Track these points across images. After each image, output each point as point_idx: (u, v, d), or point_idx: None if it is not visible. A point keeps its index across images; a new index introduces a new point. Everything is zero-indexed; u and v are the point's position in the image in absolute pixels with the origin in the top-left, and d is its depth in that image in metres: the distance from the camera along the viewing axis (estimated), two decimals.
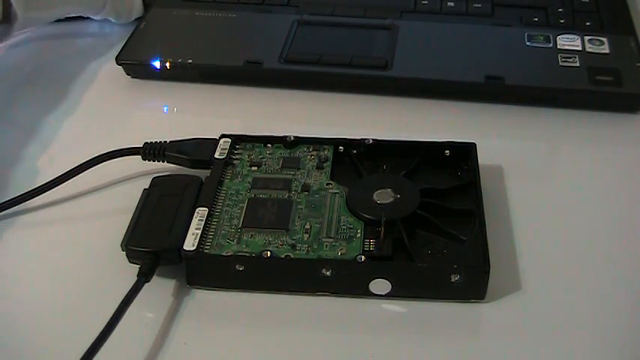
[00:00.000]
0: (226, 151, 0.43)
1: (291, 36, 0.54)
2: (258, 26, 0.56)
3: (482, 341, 0.36)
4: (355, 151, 0.43)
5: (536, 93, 0.50)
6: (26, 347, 0.36)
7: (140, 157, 0.44)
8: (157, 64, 0.52)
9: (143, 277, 0.37)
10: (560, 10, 0.56)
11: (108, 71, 0.53)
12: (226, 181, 0.41)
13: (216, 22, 0.56)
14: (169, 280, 0.38)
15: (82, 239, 0.41)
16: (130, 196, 0.41)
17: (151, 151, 0.44)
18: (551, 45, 0.53)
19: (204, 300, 0.38)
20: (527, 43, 0.53)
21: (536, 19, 0.55)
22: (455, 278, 0.36)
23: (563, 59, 0.51)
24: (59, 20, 0.59)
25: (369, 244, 0.38)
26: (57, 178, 0.43)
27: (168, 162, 0.44)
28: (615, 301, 0.38)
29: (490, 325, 0.37)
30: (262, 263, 0.37)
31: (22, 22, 0.51)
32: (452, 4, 0.57)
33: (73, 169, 0.43)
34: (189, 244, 0.37)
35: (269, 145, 0.44)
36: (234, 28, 0.56)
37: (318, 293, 0.38)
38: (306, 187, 0.41)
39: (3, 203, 0.42)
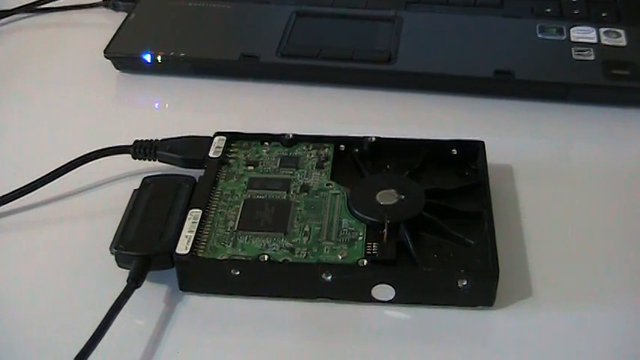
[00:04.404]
0: (221, 150, 0.43)
1: (290, 28, 0.54)
2: (254, 18, 0.56)
3: (490, 350, 0.36)
4: (357, 150, 0.44)
5: (549, 88, 0.50)
6: (9, 357, 0.36)
7: (130, 155, 0.44)
8: (147, 57, 0.52)
9: (133, 283, 0.37)
10: (574, 0, 0.56)
11: (95, 65, 0.53)
12: (221, 181, 0.42)
13: (210, 13, 0.56)
14: (161, 286, 0.39)
15: (69, 242, 0.41)
16: (119, 197, 0.41)
17: (142, 149, 0.44)
18: (564, 37, 0.53)
19: (198, 306, 0.38)
20: (539, 36, 0.53)
21: (548, 10, 0.55)
22: (462, 284, 0.37)
23: (577, 52, 0.52)
24: (44, 10, 0.59)
25: (372, 248, 0.38)
26: (42, 178, 0.43)
27: (159, 161, 0.44)
28: (632, 309, 0.38)
29: (499, 334, 0.37)
30: (259, 268, 0.37)
31: None
32: None
33: (59, 168, 0.44)
34: (182, 247, 0.38)
35: (266, 143, 0.44)
36: (229, 20, 0.56)
37: (318, 299, 0.38)
38: (305, 188, 0.41)
39: None
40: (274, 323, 0.37)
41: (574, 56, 0.51)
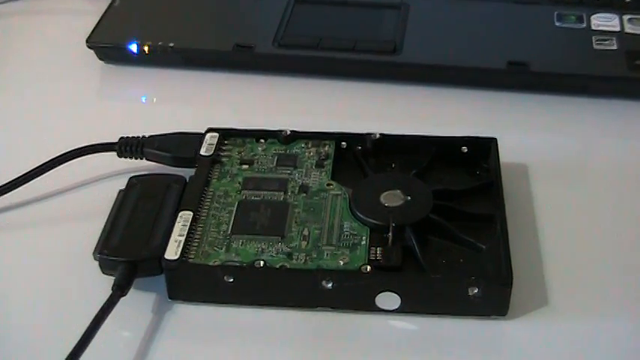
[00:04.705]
0: (213, 147, 0.43)
1: (287, 16, 0.54)
2: (249, 5, 0.56)
3: None
4: (360, 147, 0.44)
5: (567, 81, 0.50)
6: None
7: (115, 153, 0.45)
8: (133, 47, 0.52)
9: (119, 290, 0.37)
10: None
11: (77, 55, 0.53)
12: (213, 181, 0.42)
13: None
14: (148, 294, 0.39)
15: (49, 247, 0.42)
16: (104, 199, 0.42)
17: (128, 147, 0.44)
18: (584, 25, 0.53)
19: (188, 316, 0.38)
20: (557, 24, 0.54)
21: None
22: (473, 292, 0.37)
23: (598, 42, 0.52)
24: None
25: (376, 253, 0.38)
26: (19, 177, 0.44)
27: (147, 159, 0.45)
28: None
29: (513, 345, 0.37)
30: (254, 274, 0.38)
31: None
32: None
33: (38, 167, 0.44)
34: (172, 252, 0.38)
35: (262, 140, 0.44)
36: (222, 7, 0.56)
37: (318, 308, 0.38)
38: (304, 188, 0.42)
39: None
40: (270, 334, 0.37)
41: (595, 46, 0.52)
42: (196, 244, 0.39)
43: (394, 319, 0.38)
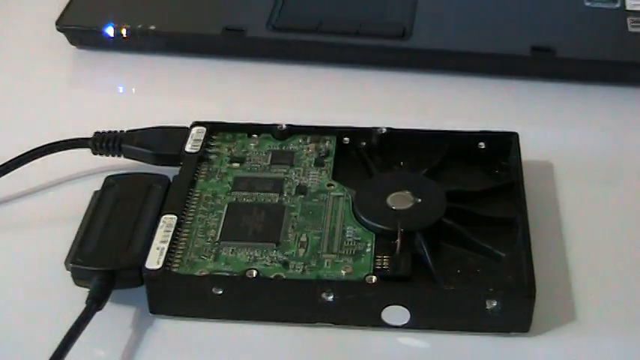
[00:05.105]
0: (200, 143, 0.44)
1: None
2: None
3: None
4: (364, 143, 0.44)
5: (598, 68, 0.50)
6: None
7: (89, 150, 0.45)
8: (109, 30, 0.52)
9: (94, 304, 0.37)
10: None
11: (46, 39, 0.54)
12: (200, 181, 0.42)
13: None
14: (127, 308, 0.39)
15: (15, 255, 0.42)
16: (77, 200, 0.42)
17: (104, 142, 0.44)
18: (617, 5, 0.53)
19: (172, 332, 0.38)
20: (587, 4, 0.54)
21: None
22: (491, 305, 0.37)
23: (634, 24, 0.52)
24: None
25: (382, 262, 0.38)
26: None
27: (125, 157, 0.45)
28: None
29: None
30: (246, 285, 0.38)
31: None
32: None
33: (3, 165, 0.44)
34: (153, 261, 0.38)
35: (254, 135, 0.45)
36: None
37: (317, 323, 0.38)
38: (301, 189, 0.42)
39: None
40: (264, 353, 0.38)
41: (630, 28, 0.52)
42: (181, 252, 0.39)
43: (403, 336, 0.38)
